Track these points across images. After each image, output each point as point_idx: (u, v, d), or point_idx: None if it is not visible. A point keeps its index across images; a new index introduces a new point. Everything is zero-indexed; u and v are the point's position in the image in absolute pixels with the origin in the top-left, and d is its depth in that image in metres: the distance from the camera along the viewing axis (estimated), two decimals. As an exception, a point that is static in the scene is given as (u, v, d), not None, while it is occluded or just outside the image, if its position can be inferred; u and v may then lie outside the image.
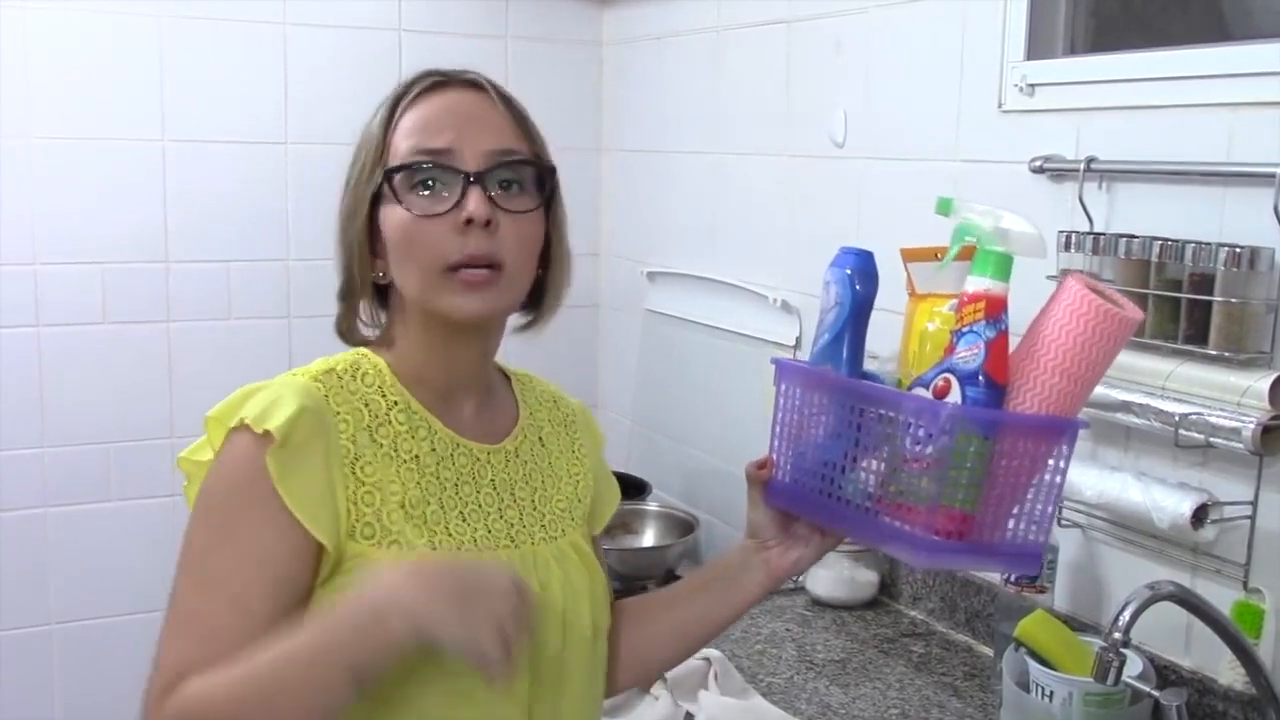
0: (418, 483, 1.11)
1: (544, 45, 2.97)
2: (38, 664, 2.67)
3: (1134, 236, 1.58)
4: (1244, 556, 1.50)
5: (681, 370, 2.75)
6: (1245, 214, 1.49)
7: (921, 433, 1.06)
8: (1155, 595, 1.33)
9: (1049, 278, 1.62)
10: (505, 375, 1.28)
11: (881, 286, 1.20)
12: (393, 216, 1.11)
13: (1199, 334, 1.50)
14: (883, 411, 1.11)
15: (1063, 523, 1.71)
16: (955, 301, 1.11)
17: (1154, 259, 1.54)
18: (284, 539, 1.04)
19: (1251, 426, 1.40)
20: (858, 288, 1.18)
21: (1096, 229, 1.66)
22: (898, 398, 1.12)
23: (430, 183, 1.10)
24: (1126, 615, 1.30)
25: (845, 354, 1.19)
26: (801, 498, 1.20)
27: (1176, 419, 1.47)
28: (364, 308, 1.18)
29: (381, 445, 1.10)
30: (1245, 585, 1.50)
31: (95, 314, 2.63)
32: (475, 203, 1.08)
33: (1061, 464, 1.09)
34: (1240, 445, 1.41)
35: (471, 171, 1.09)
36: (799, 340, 2.31)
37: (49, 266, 2.59)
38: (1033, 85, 1.79)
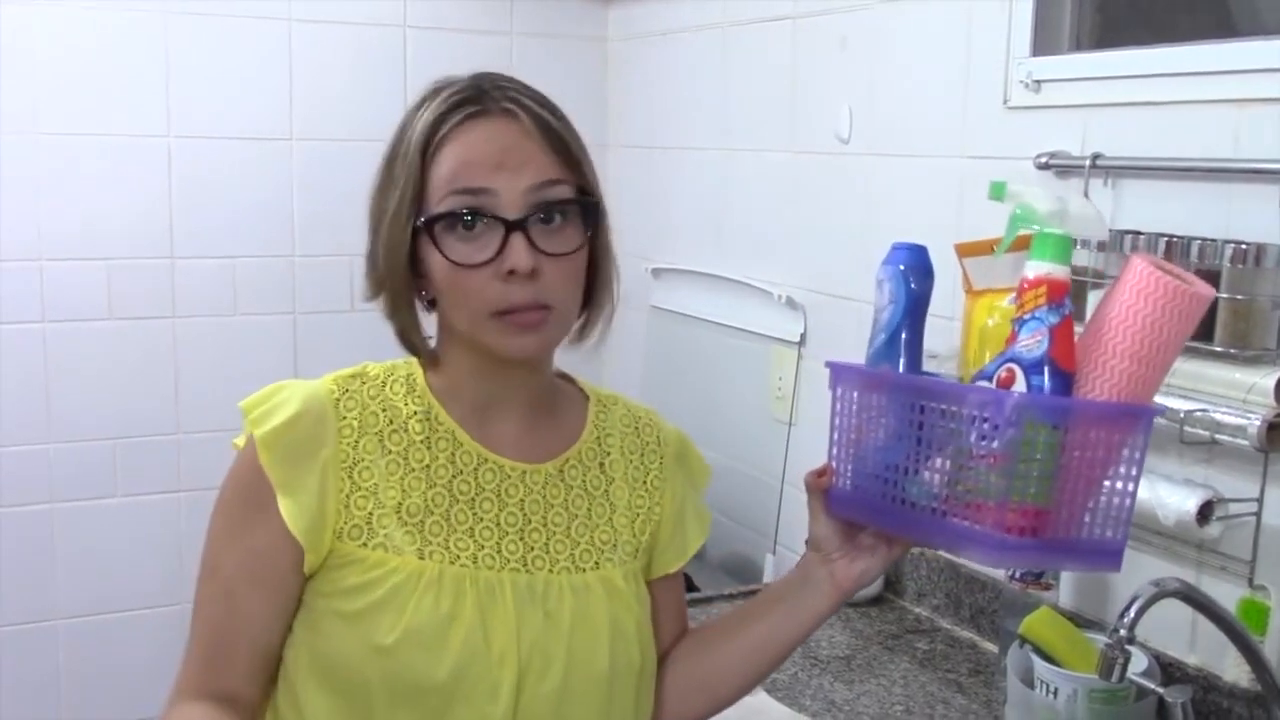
0: (422, 492, 1.11)
1: (549, 41, 2.97)
2: (43, 659, 2.68)
3: (1140, 233, 1.57)
4: (1249, 553, 1.49)
5: (686, 367, 2.75)
6: (1251, 210, 1.48)
7: (987, 426, 1.01)
8: (1160, 592, 1.33)
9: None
10: (585, 394, 1.25)
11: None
12: (435, 262, 1.09)
13: (1204, 330, 1.49)
14: (945, 407, 1.06)
15: (1068, 519, 1.71)
16: (1016, 295, 1.06)
17: (1159, 255, 1.53)
18: (273, 537, 1.08)
19: (1257, 423, 1.40)
20: (913, 285, 1.14)
21: (1102, 225, 1.66)
22: (960, 391, 1.07)
23: (469, 226, 1.07)
24: (1131, 612, 1.30)
25: (903, 353, 1.14)
26: (865, 505, 1.15)
27: (1182, 415, 1.47)
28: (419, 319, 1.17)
29: (390, 451, 1.11)
30: (1250, 582, 1.50)
31: (101, 310, 2.64)
32: (518, 254, 1.06)
33: (1137, 454, 1.04)
34: (1246, 442, 1.41)
35: (512, 219, 1.07)
36: (804, 337, 2.31)
37: (54, 262, 2.59)
38: (1038, 81, 1.79)
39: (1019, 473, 1.00)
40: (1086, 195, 1.65)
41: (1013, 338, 1.04)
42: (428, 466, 1.12)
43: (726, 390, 2.59)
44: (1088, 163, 1.66)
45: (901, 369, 1.14)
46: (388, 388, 1.14)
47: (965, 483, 1.03)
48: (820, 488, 1.20)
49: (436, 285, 1.11)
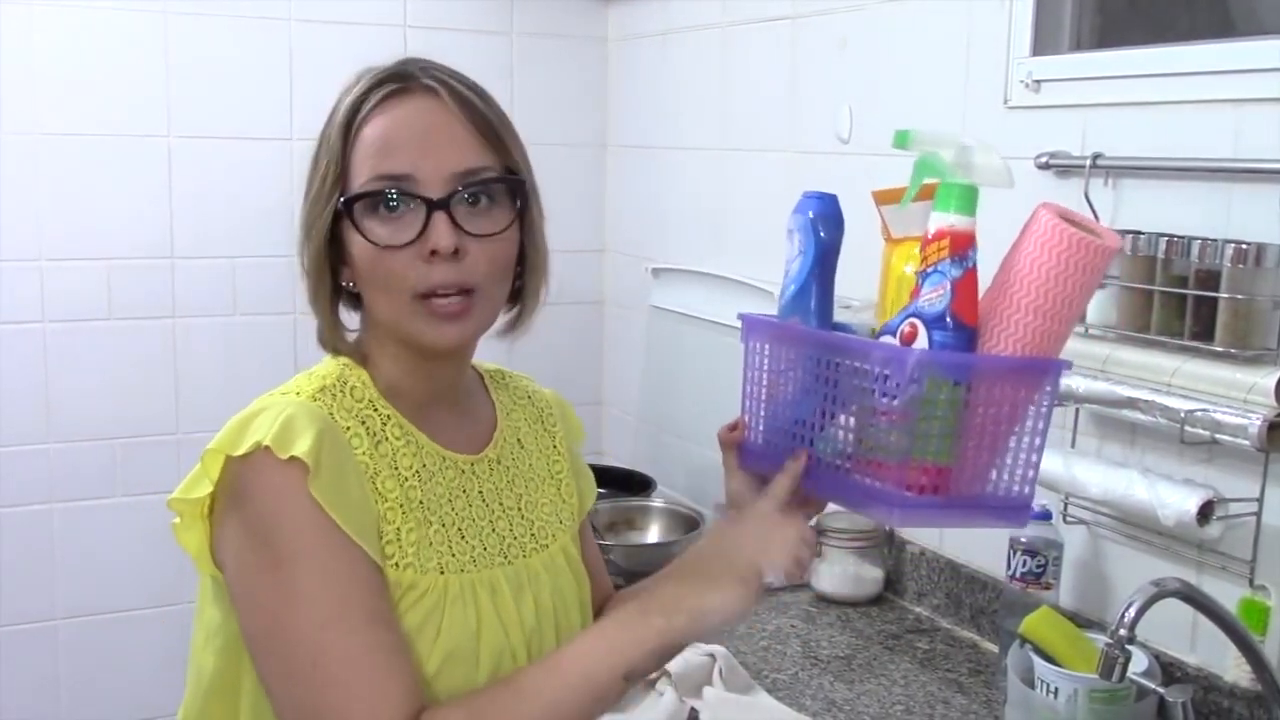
0: (420, 501, 1.08)
1: (549, 41, 2.97)
2: (43, 659, 2.68)
3: (1140, 233, 1.57)
4: (1250, 553, 1.49)
5: (686, 366, 2.75)
6: (1251, 210, 1.48)
7: (889, 383, 0.99)
8: (1160, 592, 1.33)
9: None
10: (479, 374, 1.24)
11: (859, 234, 1.13)
12: (355, 243, 1.06)
13: (1205, 330, 1.50)
14: (850, 362, 1.03)
15: (1068, 519, 1.71)
16: (920, 247, 1.04)
17: (1160, 255, 1.53)
18: (356, 569, 1.00)
19: (1257, 423, 1.40)
20: (822, 234, 1.12)
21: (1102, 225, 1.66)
22: (864, 346, 1.04)
23: (392, 207, 1.05)
24: (1132, 612, 1.30)
25: (813, 305, 1.12)
26: (776, 459, 1.13)
27: (1182, 415, 1.47)
28: (341, 316, 1.13)
29: (385, 464, 1.07)
30: (1251, 582, 1.50)
31: (101, 310, 2.64)
32: (440, 233, 1.03)
33: (1044, 408, 1.03)
34: (1246, 442, 1.41)
35: (435, 198, 1.04)
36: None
37: (54, 263, 2.59)
38: (1039, 81, 1.79)
39: (920, 430, 0.98)
40: (1087, 195, 1.66)
41: (916, 291, 1.02)
42: (416, 473, 1.08)
43: (725, 390, 2.58)
44: (1088, 163, 1.66)
45: (812, 321, 1.12)
46: (349, 396, 1.08)
47: (869, 440, 1.02)
48: (732, 442, 1.19)
49: (358, 270, 1.07)
